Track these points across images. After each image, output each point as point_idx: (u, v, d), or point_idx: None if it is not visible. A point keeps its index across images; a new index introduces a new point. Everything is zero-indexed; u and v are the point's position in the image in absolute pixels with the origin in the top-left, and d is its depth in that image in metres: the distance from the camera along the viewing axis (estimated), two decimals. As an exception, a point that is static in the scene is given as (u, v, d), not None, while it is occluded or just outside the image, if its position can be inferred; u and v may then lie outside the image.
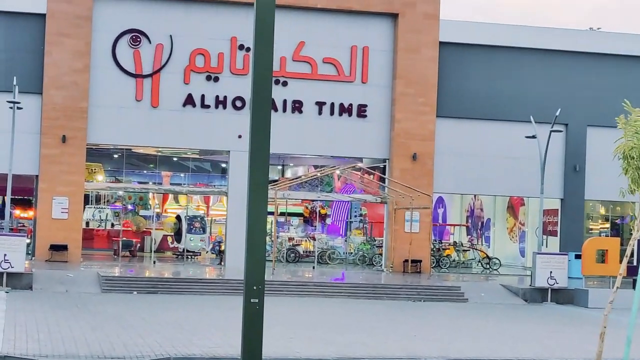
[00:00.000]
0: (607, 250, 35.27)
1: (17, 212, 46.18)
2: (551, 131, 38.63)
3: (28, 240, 36.66)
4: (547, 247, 43.75)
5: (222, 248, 42.49)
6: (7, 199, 35.84)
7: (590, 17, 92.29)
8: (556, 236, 44.88)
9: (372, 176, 43.35)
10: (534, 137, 38.93)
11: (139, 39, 39.68)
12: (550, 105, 40.69)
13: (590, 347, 19.92)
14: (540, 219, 41.74)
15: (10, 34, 37.97)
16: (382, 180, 41.51)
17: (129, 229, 46.62)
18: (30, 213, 43.90)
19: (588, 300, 34.06)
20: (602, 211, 48.06)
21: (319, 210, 48.52)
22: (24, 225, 44.52)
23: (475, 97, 42.63)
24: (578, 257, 36.71)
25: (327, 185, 44.02)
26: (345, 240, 48.76)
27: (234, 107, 40.18)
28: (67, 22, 37.51)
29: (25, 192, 42.64)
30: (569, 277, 35.88)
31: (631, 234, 15.41)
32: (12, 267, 30.98)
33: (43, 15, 37.53)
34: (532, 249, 42.03)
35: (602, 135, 39.95)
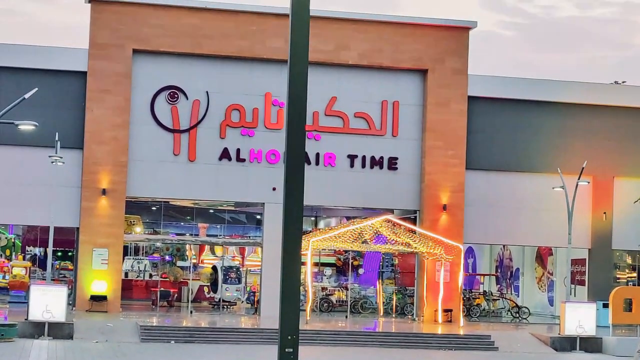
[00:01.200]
0: (633, 298, 35.73)
1: (58, 262, 46.72)
2: (578, 182, 38.99)
3: (69, 291, 36.99)
4: (575, 296, 43.78)
5: (257, 298, 42.74)
6: (50, 250, 36.35)
7: (615, 71, 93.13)
8: (584, 285, 45.10)
9: (402, 227, 42.26)
10: (561, 187, 39.25)
11: (176, 95, 40.29)
12: (577, 157, 41.25)
13: None
14: (568, 269, 41.97)
15: (53, 91, 38.52)
16: (413, 231, 41.50)
17: (167, 279, 46.40)
18: (70, 264, 44.85)
19: (616, 348, 34.08)
20: (629, 260, 47.90)
21: (352, 261, 48.13)
22: (65, 276, 45.33)
23: (503, 150, 43.28)
24: (606, 305, 37.21)
25: (359, 236, 44.33)
26: (377, 290, 48.46)
27: (268, 160, 40.54)
28: (107, 79, 38.22)
29: (66, 244, 44.06)
30: (597, 326, 36.06)
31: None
32: (53, 317, 31.36)
33: (84, 73, 38.22)
34: (560, 298, 42.74)
35: (628, 186, 41.49)
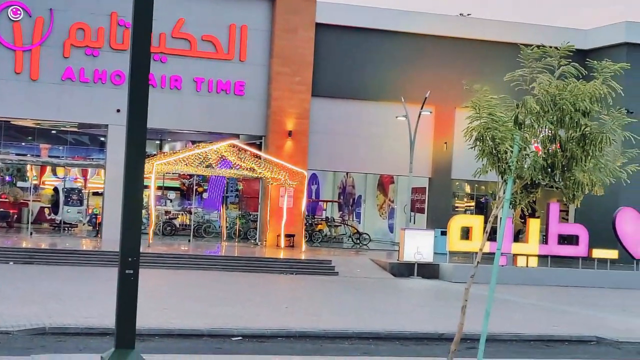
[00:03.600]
0: (471, 227, 36.61)
1: None
2: (421, 112, 39.65)
3: None
4: (414, 223, 45.02)
5: (99, 220, 42.28)
6: None
7: (461, 3, 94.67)
8: (423, 213, 46.20)
9: (247, 152, 42.68)
10: (404, 117, 39.83)
11: (19, 12, 38.94)
12: (421, 87, 41.46)
13: (453, 319, 21.21)
14: (408, 197, 42.99)
15: None
16: (258, 156, 41.51)
17: (6, 200, 45.91)
18: None
19: (452, 274, 35.41)
20: (468, 189, 49.44)
21: (196, 186, 48.59)
22: None
23: (349, 77, 43.42)
24: (444, 233, 37.90)
25: (204, 160, 44.24)
26: (221, 214, 48.74)
27: (113, 82, 40.09)
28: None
29: None
30: (435, 253, 37.04)
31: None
32: None
33: None
34: (400, 225, 43.28)
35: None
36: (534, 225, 38.79)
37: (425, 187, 46.40)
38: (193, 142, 46.69)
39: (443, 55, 44.97)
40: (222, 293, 28.09)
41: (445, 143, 44.99)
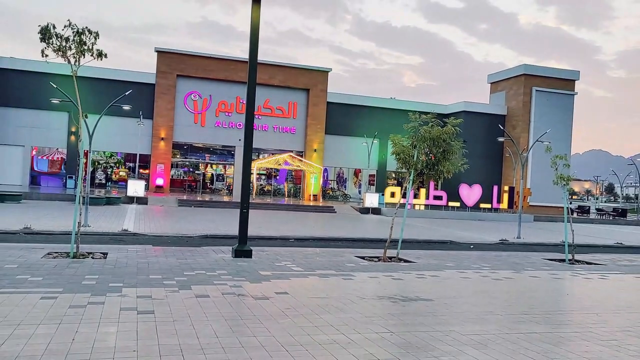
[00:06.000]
0: (395, 191, 54.58)
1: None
2: (373, 141, 59.57)
3: None
4: (369, 191, 63.93)
5: (232, 188, 60.28)
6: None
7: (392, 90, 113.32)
8: (374, 185, 67.60)
9: (296, 158, 59.05)
10: (365, 143, 60.21)
11: (196, 95, 59.18)
12: (371, 128, 61.84)
13: (385, 231, 30.14)
14: (367, 179, 65.59)
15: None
16: (301, 160, 58.62)
17: (191, 179, 63.51)
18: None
19: (386, 213, 50.51)
20: (393, 175, 70.06)
21: (274, 173, 64.48)
22: None
23: (341, 125, 64.15)
24: (383, 195, 56.61)
25: (277, 161, 58.78)
26: (285, 185, 66.15)
27: (237, 127, 59.66)
28: None
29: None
30: (379, 203, 54.08)
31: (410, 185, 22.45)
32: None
33: None
34: (364, 192, 61.73)
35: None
36: (422, 191, 55.68)
37: (374, 174, 67.57)
38: (272, 153, 62.12)
39: (384, 117, 66.17)
40: (284, 219, 37.21)
41: (384, 155, 66.59)
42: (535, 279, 18.40)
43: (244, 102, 54.96)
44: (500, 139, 58.73)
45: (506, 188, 58.93)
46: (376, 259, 20.66)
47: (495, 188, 58.91)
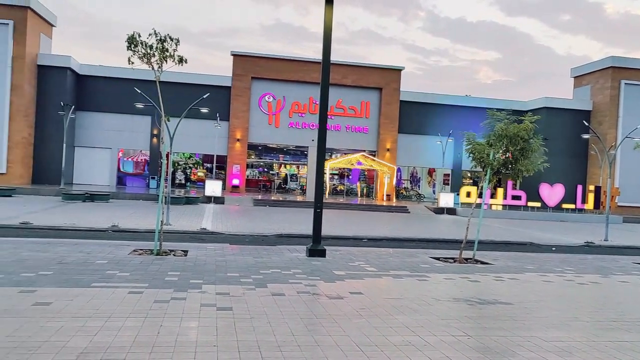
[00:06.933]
0: (470, 191, 52.55)
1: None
2: (447, 139, 58.22)
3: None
4: (444, 190, 63.35)
5: (305, 188, 59.54)
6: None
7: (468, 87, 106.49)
8: (448, 185, 66.50)
9: (369, 158, 57.57)
10: (440, 142, 58.62)
11: (270, 97, 58.94)
12: (445, 127, 61.63)
13: (462, 232, 29.10)
14: (441, 178, 64.98)
15: None
16: (374, 160, 57.45)
17: (266, 179, 63.68)
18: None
19: (462, 213, 49.00)
20: (468, 175, 68.18)
21: (346, 173, 64.42)
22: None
23: (414, 123, 62.70)
24: (458, 194, 54.88)
25: (350, 161, 58.28)
26: (357, 185, 65.63)
27: (311, 127, 58.95)
28: None
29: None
30: (454, 203, 52.19)
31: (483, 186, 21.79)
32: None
33: None
34: (438, 191, 62.36)
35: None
36: (500, 191, 54.23)
37: (449, 173, 66.63)
38: (345, 153, 61.35)
39: (458, 115, 63.75)
40: (357, 219, 37.48)
41: (459, 154, 64.15)
42: (624, 284, 17.90)
43: (317, 102, 56.50)
44: (585, 136, 57.88)
45: (592, 187, 57.68)
46: (451, 260, 20.63)
47: (580, 188, 58.03)
